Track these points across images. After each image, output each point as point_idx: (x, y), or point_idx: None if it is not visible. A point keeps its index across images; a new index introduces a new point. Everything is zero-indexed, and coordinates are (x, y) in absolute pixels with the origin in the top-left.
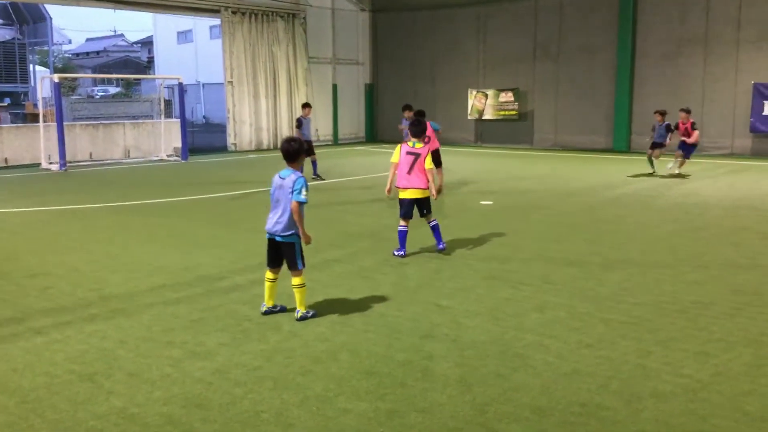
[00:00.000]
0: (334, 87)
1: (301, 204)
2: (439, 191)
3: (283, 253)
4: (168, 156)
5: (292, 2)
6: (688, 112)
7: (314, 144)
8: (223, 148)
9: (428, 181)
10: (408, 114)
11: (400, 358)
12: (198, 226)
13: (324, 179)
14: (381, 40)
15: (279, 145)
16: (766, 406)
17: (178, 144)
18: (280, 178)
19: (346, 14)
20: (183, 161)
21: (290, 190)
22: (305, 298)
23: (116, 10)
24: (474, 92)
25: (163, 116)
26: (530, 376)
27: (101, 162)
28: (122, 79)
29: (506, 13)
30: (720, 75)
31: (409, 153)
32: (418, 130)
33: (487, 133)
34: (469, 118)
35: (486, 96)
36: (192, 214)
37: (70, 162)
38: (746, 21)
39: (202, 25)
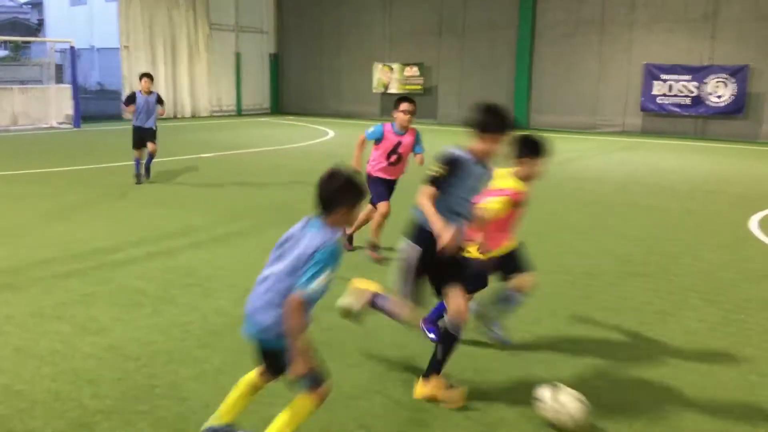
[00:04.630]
0: (238, 56)
1: None
2: None
3: None
4: (59, 123)
5: None
6: None
7: (216, 113)
8: (118, 116)
9: None
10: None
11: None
12: (92, 197)
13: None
14: (286, 9)
15: (183, 115)
16: (647, 370)
17: (70, 111)
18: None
19: None
20: (75, 129)
21: None
22: None
23: None
24: (380, 65)
25: (54, 81)
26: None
27: None
28: (10, 42)
29: None
30: (613, 55)
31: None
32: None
33: (392, 107)
34: (374, 91)
35: (392, 69)
36: (85, 184)
37: None
38: (640, 3)
39: None
